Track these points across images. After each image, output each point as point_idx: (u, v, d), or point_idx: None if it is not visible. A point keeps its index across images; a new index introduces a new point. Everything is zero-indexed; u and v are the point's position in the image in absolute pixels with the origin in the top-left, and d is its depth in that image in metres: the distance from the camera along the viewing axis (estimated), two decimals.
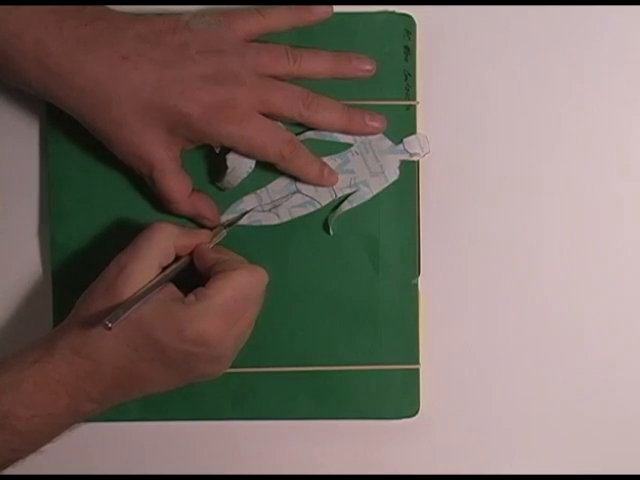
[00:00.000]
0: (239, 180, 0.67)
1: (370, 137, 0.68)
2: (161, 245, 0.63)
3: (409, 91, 0.68)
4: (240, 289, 0.61)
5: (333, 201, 0.68)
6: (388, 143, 0.68)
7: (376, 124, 0.67)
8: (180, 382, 0.63)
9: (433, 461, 0.70)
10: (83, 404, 0.61)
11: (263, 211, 0.68)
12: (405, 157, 0.68)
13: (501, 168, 0.70)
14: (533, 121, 0.69)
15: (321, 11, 0.66)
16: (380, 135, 0.68)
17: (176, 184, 0.65)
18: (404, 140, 0.68)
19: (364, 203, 0.68)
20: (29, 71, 0.62)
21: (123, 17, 0.64)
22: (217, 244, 0.66)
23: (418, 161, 0.68)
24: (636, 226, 0.70)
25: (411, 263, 0.69)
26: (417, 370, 0.68)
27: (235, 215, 0.68)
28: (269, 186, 0.68)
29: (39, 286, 0.69)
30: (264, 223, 0.68)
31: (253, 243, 0.68)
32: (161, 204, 0.67)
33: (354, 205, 0.68)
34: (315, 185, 0.68)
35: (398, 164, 0.68)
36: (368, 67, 0.67)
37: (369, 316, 0.68)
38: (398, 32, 0.68)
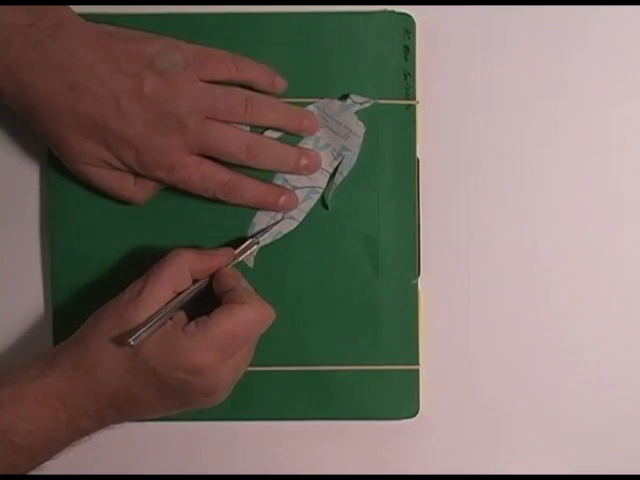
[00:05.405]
0: None
1: (322, 106, 0.67)
2: (175, 271, 0.62)
3: (409, 91, 0.68)
4: (242, 325, 0.61)
5: (331, 179, 0.68)
6: (337, 103, 0.67)
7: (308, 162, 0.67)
8: (174, 410, 0.64)
9: (432, 461, 0.70)
10: (80, 420, 0.61)
11: (277, 222, 0.68)
12: (357, 108, 0.67)
13: (501, 168, 0.69)
14: (533, 120, 0.69)
15: (279, 82, 0.66)
16: (327, 100, 0.67)
17: (114, 185, 0.65)
18: (350, 95, 0.67)
19: (364, 203, 0.68)
20: None
21: (79, 39, 0.61)
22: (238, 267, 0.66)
23: (418, 161, 0.68)
24: (637, 225, 0.70)
25: (411, 264, 0.68)
26: (417, 371, 0.68)
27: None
28: None
29: (39, 294, 0.70)
30: (286, 231, 0.68)
31: None
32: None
33: (345, 174, 0.67)
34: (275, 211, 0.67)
35: (356, 117, 0.67)
36: (316, 131, 0.67)
37: (369, 316, 0.68)
38: (397, 32, 0.68)
